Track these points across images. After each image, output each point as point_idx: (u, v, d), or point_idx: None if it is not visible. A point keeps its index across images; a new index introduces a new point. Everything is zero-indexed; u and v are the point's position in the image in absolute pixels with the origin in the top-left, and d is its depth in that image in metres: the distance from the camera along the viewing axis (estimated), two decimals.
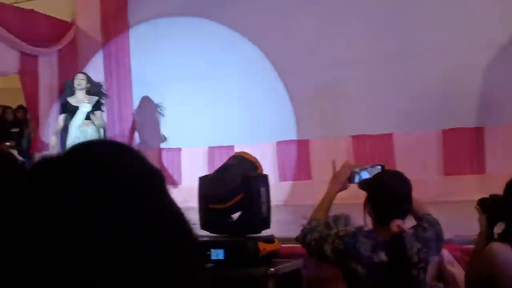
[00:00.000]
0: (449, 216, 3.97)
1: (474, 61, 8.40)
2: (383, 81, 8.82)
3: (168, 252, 0.81)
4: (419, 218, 3.27)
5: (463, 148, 8.54)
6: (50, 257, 0.75)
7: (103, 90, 9.00)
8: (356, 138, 9.04)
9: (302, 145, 9.34)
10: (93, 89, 8.81)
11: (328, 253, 3.17)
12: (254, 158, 4.35)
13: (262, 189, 3.98)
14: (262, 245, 3.89)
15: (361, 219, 3.26)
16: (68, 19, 10.37)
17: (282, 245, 4.20)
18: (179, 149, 9.84)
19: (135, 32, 10.19)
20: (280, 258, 4.07)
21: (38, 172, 0.83)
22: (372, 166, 3.36)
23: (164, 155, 9.84)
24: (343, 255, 3.12)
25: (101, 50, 10.33)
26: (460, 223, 4.62)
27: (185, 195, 7.82)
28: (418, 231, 3.15)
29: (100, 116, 8.75)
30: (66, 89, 8.89)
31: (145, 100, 10.09)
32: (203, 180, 4.09)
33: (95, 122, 8.60)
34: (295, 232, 4.54)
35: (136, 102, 10.20)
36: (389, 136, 8.89)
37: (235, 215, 4.04)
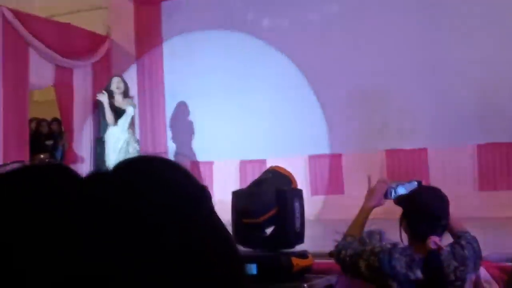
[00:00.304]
0: (485, 232, 3.90)
1: (510, 75, 8.29)
2: (417, 95, 8.75)
3: (213, 267, 0.81)
4: (457, 235, 3.22)
5: (499, 163, 8.42)
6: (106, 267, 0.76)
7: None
8: (390, 153, 8.96)
9: (335, 159, 9.29)
10: (128, 91, 8.94)
11: (363, 269, 3.13)
12: (289, 172, 4.33)
13: (296, 204, 3.95)
14: (295, 260, 3.86)
15: (396, 235, 3.21)
16: (103, 33, 10.50)
17: (315, 261, 4.17)
18: (211, 162, 9.86)
19: (168, 45, 10.27)
20: (313, 274, 4.04)
21: (93, 186, 0.85)
22: (408, 182, 3.32)
23: (196, 168, 9.86)
24: (378, 271, 3.08)
25: (135, 63, 10.43)
26: (497, 240, 4.55)
27: (217, 208, 7.78)
28: (455, 248, 3.09)
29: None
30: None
31: (179, 111, 10.15)
32: (236, 194, 4.08)
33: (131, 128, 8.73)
34: (328, 247, 4.51)
35: (168, 115, 10.27)
36: (423, 151, 8.80)
37: (269, 230, 4.01)
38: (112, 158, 8.36)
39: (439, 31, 8.65)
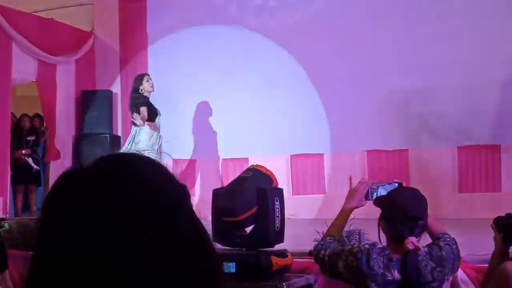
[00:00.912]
0: (463, 233, 3.94)
1: (492, 78, 8.37)
2: (398, 97, 8.80)
3: (190, 267, 0.83)
4: (436, 237, 3.25)
5: (478, 165, 8.50)
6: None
7: None
8: (371, 153, 9.01)
9: (316, 159, 9.32)
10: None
11: (341, 269, 3.15)
12: (269, 171, 4.35)
13: (276, 203, 3.97)
14: (274, 259, 3.87)
15: (376, 235, 3.23)
16: (87, 29, 10.45)
17: (295, 260, 4.18)
18: (194, 161, 9.86)
19: (153, 42, 10.24)
20: (292, 273, 4.05)
21: (72, 181, 0.86)
22: (389, 183, 3.34)
23: (179, 166, 9.85)
24: (356, 272, 3.10)
25: (119, 60, 10.38)
26: (475, 242, 4.58)
27: (200, 207, 7.82)
28: (433, 249, 3.11)
29: None
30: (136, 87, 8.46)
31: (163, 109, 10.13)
32: (217, 193, 4.09)
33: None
34: (308, 246, 4.53)
35: None
36: (404, 152, 8.86)
37: (249, 228, 4.03)
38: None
39: (421, 33, 8.71)
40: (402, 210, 3.09)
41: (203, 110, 9.69)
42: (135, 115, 8.16)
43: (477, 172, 8.51)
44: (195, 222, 0.89)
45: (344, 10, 9.15)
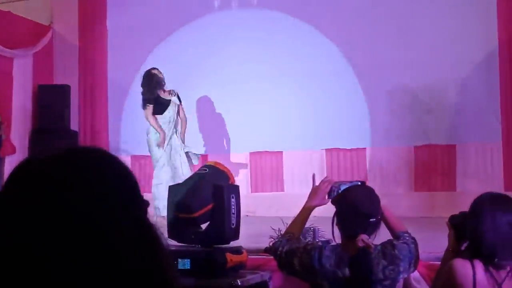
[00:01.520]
0: (419, 232, 3.98)
1: (448, 79, 8.50)
2: (357, 95, 8.88)
3: (141, 264, 0.84)
4: (397, 235, 3.28)
5: (433, 164, 8.62)
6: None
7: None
8: (330, 152, 9.07)
9: (275, 156, 9.35)
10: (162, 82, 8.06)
11: (297, 267, 3.16)
12: (226, 167, 4.35)
13: (233, 200, 3.97)
14: (229, 256, 3.87)
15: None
16: (46, 23, 10.30)
17: (250, 257, 4.19)
18: (149, 156, 9.78)
19: (113, 37, 10.14)
20: (247, 270, 4.05)
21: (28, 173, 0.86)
22: (352, 182, 3.35)
23: (137, 162, 9.77)
24: (309, 269, 3.11)
25: (77, 54, 10.26)
26: (429, 239, 4.64)
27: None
28: (386, 248, 3.13)
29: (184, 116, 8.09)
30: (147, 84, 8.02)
31: (125, 105, 10.03)
32: (173, 189, 4.07)
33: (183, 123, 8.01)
34: (264, 244, 4.54)
35: (111, 109, 10.12)
36: (362, 151, 8.94)
37: (204, 225, 4.02)
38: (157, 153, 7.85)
39: (378, 33, 8.79)
40: (353, 208, 3.12)
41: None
42: None
43: (433, 171, 8.64)
44: (147, 221, 0.89)
45: None
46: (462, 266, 3.00)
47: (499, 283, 2.96)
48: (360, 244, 2.97)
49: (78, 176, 0.86)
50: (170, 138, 7.94)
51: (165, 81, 8.13)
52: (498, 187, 7.59)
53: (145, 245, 0.88)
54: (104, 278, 0.82)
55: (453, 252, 3.18)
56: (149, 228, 0.91)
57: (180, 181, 4.79)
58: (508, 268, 2.96)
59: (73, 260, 0.81)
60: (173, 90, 8.00)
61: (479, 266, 2.98)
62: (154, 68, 8.10)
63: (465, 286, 2.98)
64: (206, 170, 4.08)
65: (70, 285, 0.79)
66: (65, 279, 0.80)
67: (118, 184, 0.89)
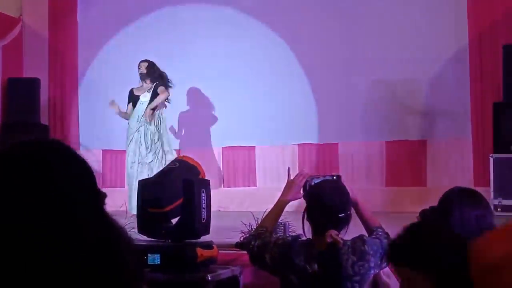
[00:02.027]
0: (390, 226, 3.99)
1: (419, 75, 8.57)
2: (328, 91, 8.92)
3: (99, 254, 0.83)
4: (371, 231, 3.28)
5: (406, 160, 8.68)
6: None
7: (164, 74, 8.19)
8: (302, 146, 9.09)
9: (248, 151, 9.34)
10: (155, 74, 8.08)
11: (268, 261, 3.15)
12: (197, 162, 4.32)
13: (203, 194, 3.95)
14: (200, 251, 3.85)
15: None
16: (15, 15, 10.14)
17: (221, 252, 4.18)
18: (124, 151, 9.70)
19: (83, 30, 10.03)
20: (218, 265, 4.04)
21: None
22: (326, 176, 3.34)
23: (108, 156, 9.70)
24: (279, 264, 3.11)
25: (47, 47, 10.13)
26: None
27: (128, 198, 7.69)
28: (356, 243, 3.12)
29: (163, 89, 7.99)
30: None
31: (95, 99, 9.94)
32: (143, 184, 4.04)
33: (159, 100, 7.93)
34: (235, 239, 4.53)
35: (82, 103, 10.01)
36: (334, 146, 8.97)
37: (175, 220, 4.00)
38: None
39: (351, 30, 8.83)
40: (322, 203, 3.11)
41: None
42: None
43: (404, 166, 8.70)
44: (102, 208, 0.88)
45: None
46: None
47: None
48: (329, 239, 2.96)
49: (22, 171, 0.84)
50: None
51: (134, 73, 8.18)
52: (468, 182, 7.66)
53: (103, 238, 0.87)
54: (60, 273, 0.80)
55: None
56: (106, 219, 0.90)
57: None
58: None
59: (25, 256, 0.79)
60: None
61: None
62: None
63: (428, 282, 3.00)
64: (176, 164, 4.06)
65: (24, 280, 0.77)
66: (18, 274, 0.78)
67: (69, 176, 0.87)
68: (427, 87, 8.62)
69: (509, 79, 7.79)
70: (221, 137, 9.29)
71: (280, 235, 3.98)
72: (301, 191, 3.30)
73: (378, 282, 4.18)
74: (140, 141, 7.90)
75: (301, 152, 9.08)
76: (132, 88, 8.24)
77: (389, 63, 8.60)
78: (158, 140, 7.98)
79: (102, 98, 9.45)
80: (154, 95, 8.02)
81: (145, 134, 7.97)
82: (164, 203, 3.90)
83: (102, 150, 9.68)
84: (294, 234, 4.37)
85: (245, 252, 3.33)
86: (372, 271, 3.21)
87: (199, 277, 3.76)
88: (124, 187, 9.18)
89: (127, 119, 8.14)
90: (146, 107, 7.98)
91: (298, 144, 9.10)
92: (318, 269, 3.00)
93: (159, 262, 3.78)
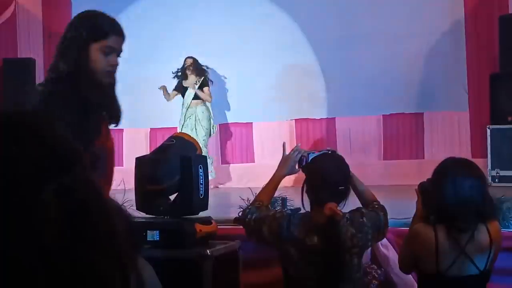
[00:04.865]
0: (389, 199, 4.01)
1: (415, 49, 8.56)
2: (325, 66, 8.90)
3: (87, 225, 0.83)
4: (366, 204, 3.29)
5: (403, 133, 8.69)
6: None
7: (206, 69, 8.93)
8: (299, 122, 9.09)
9: (245, 128, 9.34)
10: (198, 71, 8.86)
11: (266, 234, 3.16)
12: (193, 138, 4.32)
13: (200, 171, 3.93)
14: (199, 227, 3.85)
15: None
16: None
17: (220, 227, 4.18)
18: (121, 130, 9.70)
19: (77, 11, 9.96)
20: (217, 240, 4.05)
21: None
22: (321, 151, 3.35)
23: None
24: (278, 236, 3.12)
25: (42, 27, 10.07)
26: (398, 207, 4.69)
27: (126, 176, 7.72)
28: (354, 216, 3.14)
29: (207, 92, 8.81)
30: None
31: None
32: (140, 161, 4.02)
33: (203, 98, 8.77)
34: (234, 214, 4.54)
35: None
36: (331, 120, 8.97)
37: (173, 196, 3.99)
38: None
39: (346, 5, 8.80)
40: (321, 176, 3.13)
41: (131, 79, 9.48)
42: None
43: (401, 139, 8.71)
44: (91, 183, 0.88)
45: None
46: (424, 232, 3.04)
47: (462, 246, 3.00)
48: (328, 212, 2.97)
49: (21, 138, 0.84)
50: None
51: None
52: (465, 154, 7.70)
53: (95, 207, 0.86)
54: (19, 255, 0.80)
55: (420, 218, 3.21)
56: (98, 190, 0.89)
57: None
58: (471, 231, 3.00)
59: None
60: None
61: (441, 231, 3.01)
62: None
63: (427, 250, 3.02)
64: (173, 141, 4.04)
65: None
66: None
67: (61, 147, 0.87)
68: (424, 60, 8.60)
69: (505, 51, 7.77)
70: (218, 114, 9.28)
71: (278, 209, 3.99)
72: (296, 166, 3.32)
73: (376, 255, 4.21)
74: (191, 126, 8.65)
75: (299, 127, 9.08)
76: (180, 80, 8.96)
77: (385, 37, 8.57)
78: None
79: None
80: (200, 90, 8.80)
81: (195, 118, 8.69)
82: (162, 180, 3.88)
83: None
84: (292, 207, 4.39)
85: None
86: (370, 243, 3.24)
87: (199, 253, 3.76)
88: (122, 166, 9.20)
89: (168, 100, 9.06)
90: (192, 98, 8.78)
91: (295, 119, 9.10)
92: (317, 242, 3.01)
93: (158, 239, 3.79)
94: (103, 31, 2.94)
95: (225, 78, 9.28)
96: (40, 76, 9.77)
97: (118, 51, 3.00)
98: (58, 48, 3.04)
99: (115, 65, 2.98)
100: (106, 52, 2.93)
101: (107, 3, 9.62)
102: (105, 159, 2.96)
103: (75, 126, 2.46)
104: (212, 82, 8.98)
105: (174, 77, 9.02)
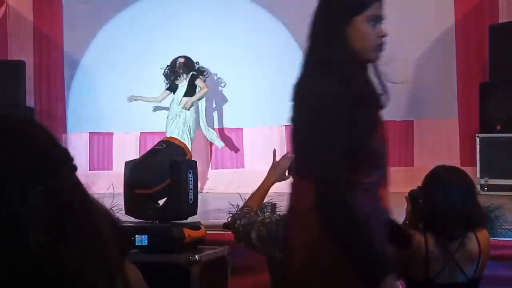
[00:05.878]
0: None
1: (405, 56, 8.55)
2: None
3: (74, 223, 0.84)
4: None
5: (393, 140, 8.70)
6: None
7: (196, 65, 8.86)
8: (290, 128, 9.07)
9: (236, 133, 9.34)
10: (190, 66, 8.79)
11: (254, 240, 3.16)
12: (183, 143, 4.32)
13: (190, 175, 3.94)
14: (187, 232, 3.85)
15: None
16: None
17: (209, 232, 4.18)
18: (111, 134, 9.68)
19: (68, 12, 9.95)
20: (206, 245, 4.05)
21: None
22: None
23: (95, 139, 9.66)
24: (266, 242, 3.12)
25: (32, 29, 10.04)
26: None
27: (115, 180, 7.69)
28: None
29: (202, 83, 8.74)
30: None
31: (79, 82, 9.88)
32: (129, 165, 4.02)
33: (200, 87, 8.70)
34: (223, 219, 4.53)
35: (67, 85, 9.96)
36: None
37: (161, 201, 3.99)
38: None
39: None
40: None
41: (122, 82, 9.48)
42: None
43: (392, 147, 8.71)
44: (77, 185, 0.87)
45: None
46: (414, 239, 3.04)
47: (451, 254, 3.00)
48: None
49: (8, 140, 0.83)
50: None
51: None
52: (454, 162, 7.71)
53: (82, 208, 0.86)
54: (8, 256, 0.79)
55: (410, 225, 3.22)
56: (84, 192, 0.89)
57: None
58: (460, 239, 3.01)
59: None
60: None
61: (431, 238, 3.02)
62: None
63: (416, 258, 3.02)
64: (162, 146, 4.04)
65: None
66: None
67: (49, 150, 0.86)
68: (414, 67, 8.62)
69: (495, 59, 7.81)
70: (209, 120, 9.27)
71: (268, 215, 3.99)
72: (286, 173, 3.32)
73: None
74: (179, 125, 8.55)
75: (289, 133, 9.08)
76: (173, 79, 8.84)
77: None
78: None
79: (88, 80, 9.41)
80: (191, 84, 8.69)
81: (184, 119, 8.57)
82: (151, 184, 3.88)
83: (89, 132, 9.64)
84: (281, 214, 4.38)
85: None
86: None
87: (187, 258, 3.76)
88: (111, 170, 9.18)
89: (149, 101, 9.06)
90: (183, 95, 8.67)
91: (286, 125, 9.10)
92: None
93: (146, 243, 3.78)
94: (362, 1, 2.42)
95: (216, 83, 9.28)
96: (31, 78, 9.74)
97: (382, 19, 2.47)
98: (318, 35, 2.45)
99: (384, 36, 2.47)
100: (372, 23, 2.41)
101: (100, 6, 9.68)
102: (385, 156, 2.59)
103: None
104: (207, 73, 8.95)
105: (164, 74, 8.91)
